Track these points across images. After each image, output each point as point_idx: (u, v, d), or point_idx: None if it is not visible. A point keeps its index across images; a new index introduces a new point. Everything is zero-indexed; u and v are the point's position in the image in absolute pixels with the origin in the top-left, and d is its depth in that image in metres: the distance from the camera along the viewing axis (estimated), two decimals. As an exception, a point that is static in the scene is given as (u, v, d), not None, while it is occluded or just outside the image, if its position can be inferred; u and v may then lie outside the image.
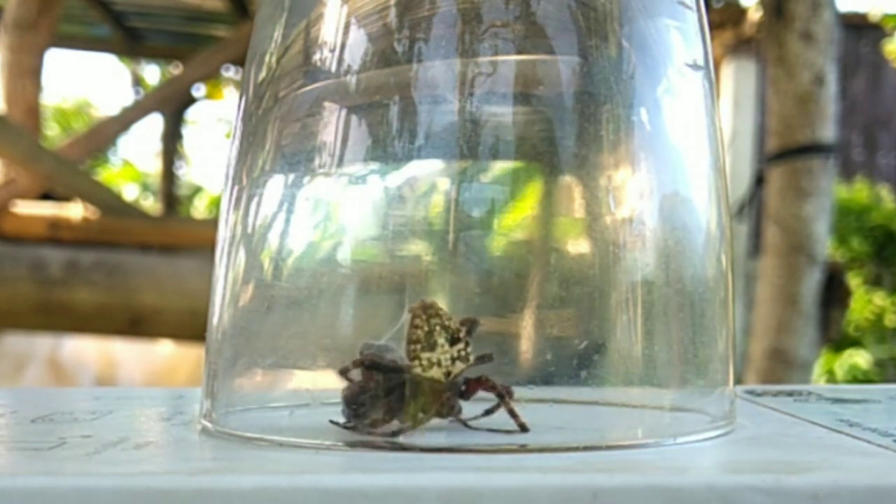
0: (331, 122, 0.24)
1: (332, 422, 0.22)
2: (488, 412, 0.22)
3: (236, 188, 0.25)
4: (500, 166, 0.23)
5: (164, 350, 1.82)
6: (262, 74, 0.26)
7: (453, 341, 0.21)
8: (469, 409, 0.22)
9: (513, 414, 0.21)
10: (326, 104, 0.24)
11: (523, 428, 0.21)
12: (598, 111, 0.23)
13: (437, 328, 0.21)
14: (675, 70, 0.24)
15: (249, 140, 0.25)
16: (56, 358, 1.52)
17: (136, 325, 1.47)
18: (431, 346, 0.21)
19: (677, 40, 0.24)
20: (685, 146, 0.24)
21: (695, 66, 0.24)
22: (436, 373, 0.21)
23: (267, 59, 0.26)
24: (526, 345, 0.23)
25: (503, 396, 0.22)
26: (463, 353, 0.21)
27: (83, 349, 1.55)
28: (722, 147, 0.25)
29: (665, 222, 0.23)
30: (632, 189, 0.23)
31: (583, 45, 0.23)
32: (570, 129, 0.23)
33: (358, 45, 0.23)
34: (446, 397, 0.21)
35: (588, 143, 0.23)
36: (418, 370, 0.21)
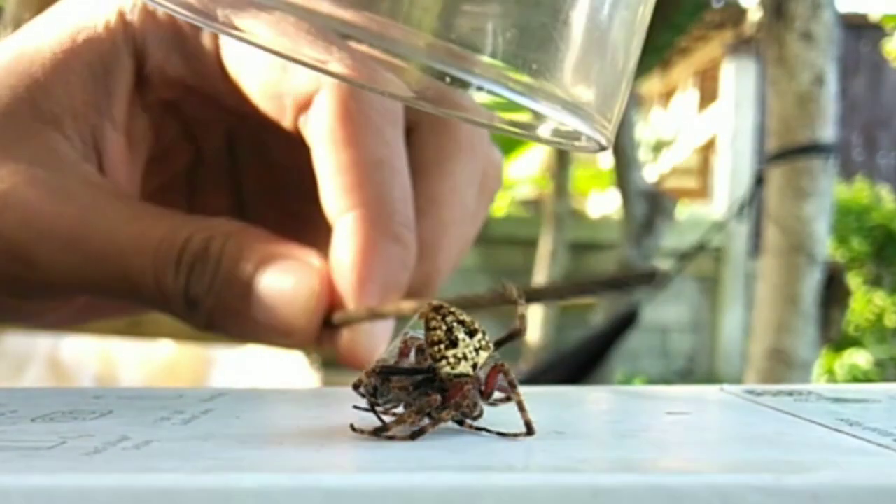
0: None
1: (356, 407, 0.22)
2: (497, 402, 0.22)
3: None
4: None
5: (164, 350, 1.82)
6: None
7: (471, 333, 0.22)
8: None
9: (521, 407, 0.21)
10: None
11: (529, 427, 0.21)
12: None
13: (455, 324, 0.21)
14: None
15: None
16: (56, 358, 1.52)
17: (136, 325, 1.47)
18: (454, 343, 0.21)
19: None
20: None
21: None
22: (464, 367, 0.21)
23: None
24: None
25: (514, 387, 0.22)
26: (483, 341, 0.22)
27: (83, 349, 1.55)
28: None
29: None
30: None
31: None
32: None
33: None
34: (467, 390, 0.21)
35: None
36: (447, 369, 0.21)
